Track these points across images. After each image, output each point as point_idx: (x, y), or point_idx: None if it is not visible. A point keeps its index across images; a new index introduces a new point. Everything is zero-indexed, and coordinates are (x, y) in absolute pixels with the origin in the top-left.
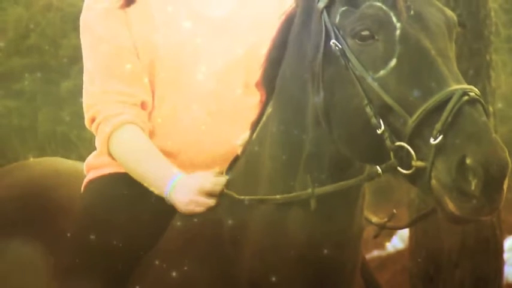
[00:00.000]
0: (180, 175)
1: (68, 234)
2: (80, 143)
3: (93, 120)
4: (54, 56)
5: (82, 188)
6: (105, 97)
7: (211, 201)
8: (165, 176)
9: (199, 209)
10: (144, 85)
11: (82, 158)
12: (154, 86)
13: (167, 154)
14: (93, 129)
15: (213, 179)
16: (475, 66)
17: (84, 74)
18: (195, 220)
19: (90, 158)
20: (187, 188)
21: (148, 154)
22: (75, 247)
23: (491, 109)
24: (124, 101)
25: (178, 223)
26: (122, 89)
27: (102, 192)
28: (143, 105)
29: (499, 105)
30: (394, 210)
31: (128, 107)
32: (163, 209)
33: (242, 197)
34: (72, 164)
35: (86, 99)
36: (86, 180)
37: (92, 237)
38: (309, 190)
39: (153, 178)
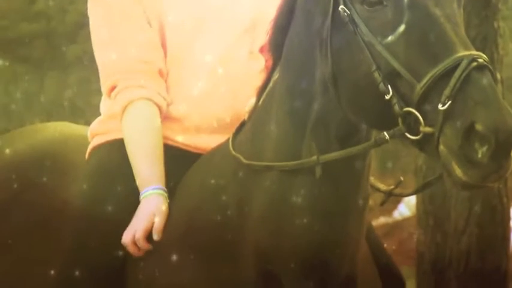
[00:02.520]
0: (155, 190)
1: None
2: (86, 109)
3: (113, 88)
4: (61, 22)
5: (87, 155)
6: (124, 66)
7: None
8: (146, 180)
9: (129, 238)
10: (160, 51)
11: (88, 124)
12: (164, 51)
13: (173, 119)
14: (112, 97)
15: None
16: (483, 34)
17: (96, 44)
18: (203, 184)
19: (95, 124)
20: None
21: (146, 148)
22: (80, 214)
23: (499, 76)
24: (144, 70)
25: (188, 183)
26: (140, 57)
27: (106, 158)
28: (160, 73)
29: (507, 72)
30: (401, 177)
31: (148, 77)
32: (169, 173)
33: (249, 162)
34: (79, 128)
35: (104, 69)
36: (90, 147)
37: (96, 204)
38: (315, 157)
39: (138, 173)
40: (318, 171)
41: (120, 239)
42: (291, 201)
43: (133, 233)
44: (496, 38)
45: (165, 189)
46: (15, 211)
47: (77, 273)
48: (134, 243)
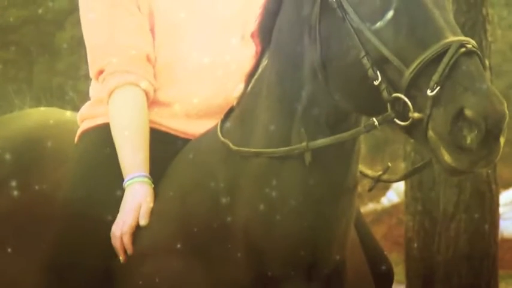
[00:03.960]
0: (139, 178)
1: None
2: (75, 95)
3: (100, 73)
4: (50, 9)
5: (76, 139)
6: (111, 50)
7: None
8: (130, 167)
9: (118, 233)
10: (148, 36)
11: (77, 109)
12: (153, 36)
13: (161, 104)
14: (99, 80)
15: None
16: (472, 20)
17: (85, 27)
18: (191, 170)
19: (84, 108)
20: (131, 203)
21: (131, 134)
22: (69, 198)
23: (487, 63)
24: (131, 55)
25: (176, 170)
26: (128, 42)
27: (96, 143)
28: (148, 58)
29: (495, 59)
30: (389, 163)
31: (135, 62)
32: (157, 158)
33: (237, 147)
34: (67, 114)
35: (92, 52)
36: (79, 131)
37: (85, 188)
38: (304, 143)
39: (122, 159)
40: (308, 157)
41: (110, 224)
42: (280, 187)
43: (121, 228)
44: (485, 24)
45: (149, 176)
46: (1, 196)
47: (65, 259)
48: (121, 236)
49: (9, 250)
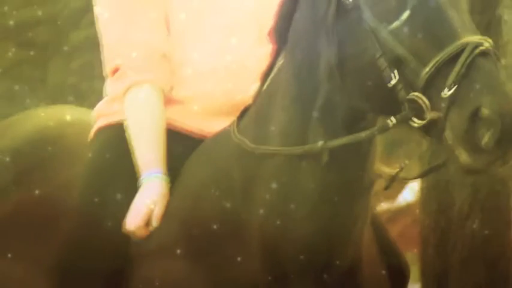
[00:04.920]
0: (155, 175)
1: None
2: (90, 94)
3: (116, 70)
4: (66, 7)
5: (91, 136)
6: (127, 48)
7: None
8: (146, 164)
9: (135, 223)
10: (164, 34)
11: (92, 108)
12: (169, 34)
13: (177, 102)
14: (115, 78)
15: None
16: (486, 21)
17: (102, 25)
18: (206, 168)
19: (100, 106)
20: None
21: (147, 132)
22: (83, 196)
23: (503, 62)
24: (147, 53)
25: (191, 168)
26: (144, 39)
27: (111, 140)
28: (164, 56)
29: (510, 60)
30: (405, 162)
31: (151, 60)
32: (173, 156)
33: (254, 146)
34: (82, 111)
35: (108, 50)
36: (95, 128)
37: (100, 186)
38: (321, 143)
39: (139, 156)
40: (324, 157)
41: (124, 221)
42: (296, 186)
43: (133, 220)
44: (500, 25)
45: (166, 173)
46: (16, 193)
47: (78, 259)
48: (136, 230)
49: (21, 249)
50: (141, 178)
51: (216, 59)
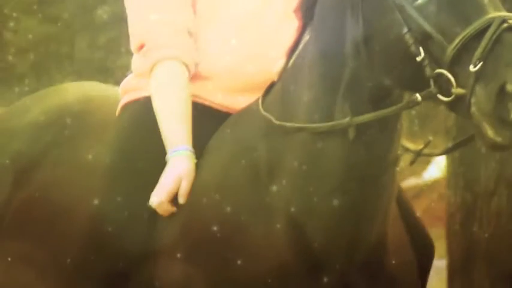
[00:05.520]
0: (182, 151)
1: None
2: (116, 69)
3: (141, 47)
4: None
5: (117, 112)
6: (153, 25)
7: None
8: (173, 141)
9: (159, 199)
10: (190, 11)
11: (118, 85)
12: (194, 11)
13: (203, 78)
14: (141, 54)
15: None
16: None
17: (128, 2)
18: (232, 144)
19: (126, 81)
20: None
21: (173, 108)
22: (110, 171)
23: None
24: (173, 30)
25: (216, 144)
26: (170, 16)
27: (137, 115)
28: (189, 32)
29: None
30: (430, 138)
31: (177, 36)
32: (199, 132)
33: (280, 122)
34: (108, 87)
35: (134, 26)
36: (121, 104)
37: (126, 161)
38: (348, 119)
39: (165, 133)
40: (351, 133)
41: (149, 196)
42: (322, 162)
43: (159, 196)
44: None
45: (192, 149)
46: (42, 169)
47: (108, 228)
48: (160, 205)
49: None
50: (168, 154)
51: (242, 35)
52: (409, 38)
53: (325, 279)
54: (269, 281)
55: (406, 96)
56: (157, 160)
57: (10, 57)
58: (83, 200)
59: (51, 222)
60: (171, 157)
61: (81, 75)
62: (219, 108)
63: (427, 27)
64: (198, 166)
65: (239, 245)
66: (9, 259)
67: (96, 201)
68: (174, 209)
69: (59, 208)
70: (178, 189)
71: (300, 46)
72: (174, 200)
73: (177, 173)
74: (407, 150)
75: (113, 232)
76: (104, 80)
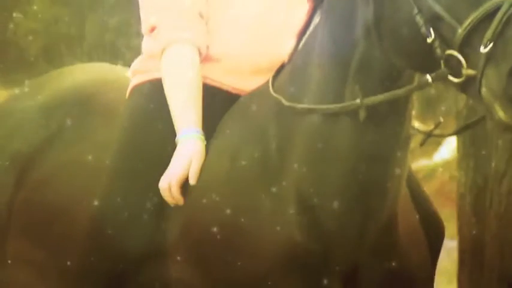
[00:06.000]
0: (192, 134)
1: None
2: (127, 51)
3: (153, 29)
4: None
5: (127, 94)
6: (165, 6)
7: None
8: (183, 123)
9: (165, 185)
10: None
11: (129, 66)
12: None
13: (213, 59)
14: (152, 36)
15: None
16: None
17: None
18: (241, 126)
19: (136, 63)
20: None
21: (184, 90)
22: (119, 151)
23: None
24: (184, 12)
25: (226, 126)
26: None
27: (147, 97)
28: (201, 14)
29: None
30: (441, 118)
31: (188, 19)
32: (208, 113)
33: (291, 103)
34: (118, 69)
35: (145, 7)
36: (131, 86)
37: (136, 144)
38: (358, 100)
39: (175, 115)
40: (362, 114)
41: (160, 177)
42: (333, 144)
43: (169, 179)
44: None
45: (202, 132)
46: (52, 150)
47: (118, 200)
48: (170, 188)
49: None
50: (178, 137)
51: (253, 17)
52: (419, 19)
53: (336, 262)
54: (280, 264)
55: (417, 78)
56: (167, 142)
57: (21, 40)
58: (93, 181)
59: (60, 205)
60: (180, 139)
61: (91, 57)
62: (229, 90)
63: (438, 9)
64: (207, 148)
65: (249, 229)
66: (9, 261)
67: (105, 182)
68: (181, 198)
69: (68, 191)
70: (188, 172)
71: (311, 28)
72: (183, 187)
73: (187, 156)
74: (417, 131)
75: (120, 222)
76: (114, 62)
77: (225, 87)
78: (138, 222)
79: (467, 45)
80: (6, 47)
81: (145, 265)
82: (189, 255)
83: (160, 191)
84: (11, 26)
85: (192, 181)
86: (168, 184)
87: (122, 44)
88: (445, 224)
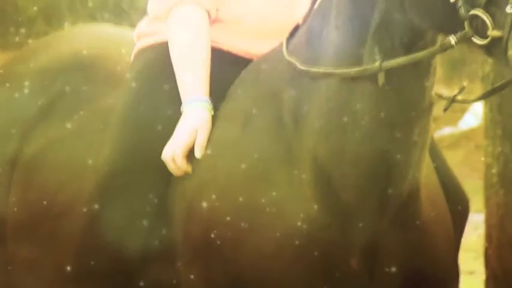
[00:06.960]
0: (198, 102)
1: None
2: (132, 12)
3: None
4: None
5: (132, 57)
6: None
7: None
8: (189, 90)
9: (170, 155)
10: None
11: (134, 27)
12: None
13: (223, 22)
14: None
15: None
16: None
17: None
18: (253, 91)
19: (141, 25)
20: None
21: (191, 55)
22: (123, 119)
23: None
24: None
25: (238, 91)
26: None
27: (153, 61)
28: None
29: None
30: (464, 83)
31: None
32: (218, 79)
33: (306, 67)
34: (122, 31)
35: None
36: (136, 49)
37: (140, 109)
38: (377, 63)
39: (181, 81)
40: (381, 78)
41: (165, 143)
42: (351, 110)
43: (173, 149)
44: None
45: (209, 100)
46: (55, 115)
47: (123, 162)
48: (174, 159)
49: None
50: (183, 104)
51: None
52: None
53: (355, 236)
54: (294, 233)
55: (440, 40)
56: (172, 109)
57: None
58: (95, 148)
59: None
60: (185, 108)
61: (94, 17)
62: (240, 54)
63: None
64: (216, 115)
65: (263, 195)
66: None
67: (107, 152)
68: (189, 167)
69: (71, 157)
70: (193, 142)
71: None
72: (189, 155)
73: (192, 125)
74: (441, 96)
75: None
76: (119, 23)
77: (235, 51)
78: (144, 185)
79: (492, 4)
80: (4, 6)
81: (148, 266)
82: (203, 238)
83: (165, 162)
84: None
85: (198, 153)
86: (172, 155)
87: (127, 4)
88: (471, 196)
